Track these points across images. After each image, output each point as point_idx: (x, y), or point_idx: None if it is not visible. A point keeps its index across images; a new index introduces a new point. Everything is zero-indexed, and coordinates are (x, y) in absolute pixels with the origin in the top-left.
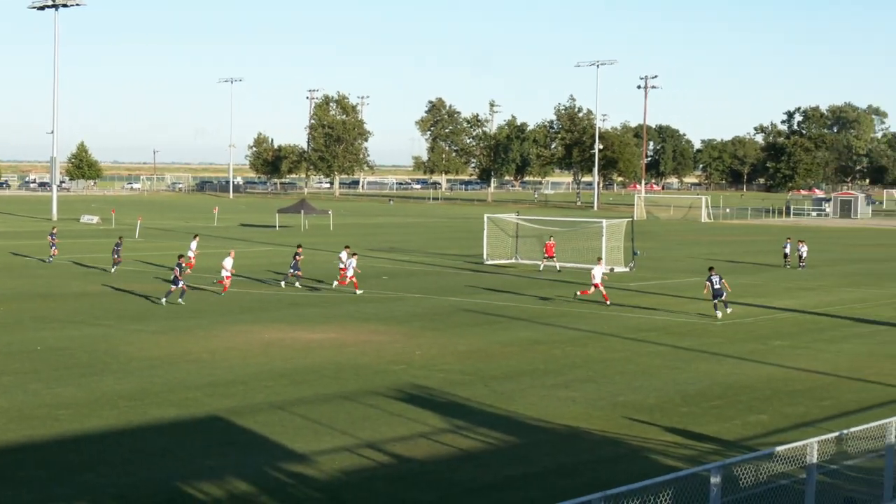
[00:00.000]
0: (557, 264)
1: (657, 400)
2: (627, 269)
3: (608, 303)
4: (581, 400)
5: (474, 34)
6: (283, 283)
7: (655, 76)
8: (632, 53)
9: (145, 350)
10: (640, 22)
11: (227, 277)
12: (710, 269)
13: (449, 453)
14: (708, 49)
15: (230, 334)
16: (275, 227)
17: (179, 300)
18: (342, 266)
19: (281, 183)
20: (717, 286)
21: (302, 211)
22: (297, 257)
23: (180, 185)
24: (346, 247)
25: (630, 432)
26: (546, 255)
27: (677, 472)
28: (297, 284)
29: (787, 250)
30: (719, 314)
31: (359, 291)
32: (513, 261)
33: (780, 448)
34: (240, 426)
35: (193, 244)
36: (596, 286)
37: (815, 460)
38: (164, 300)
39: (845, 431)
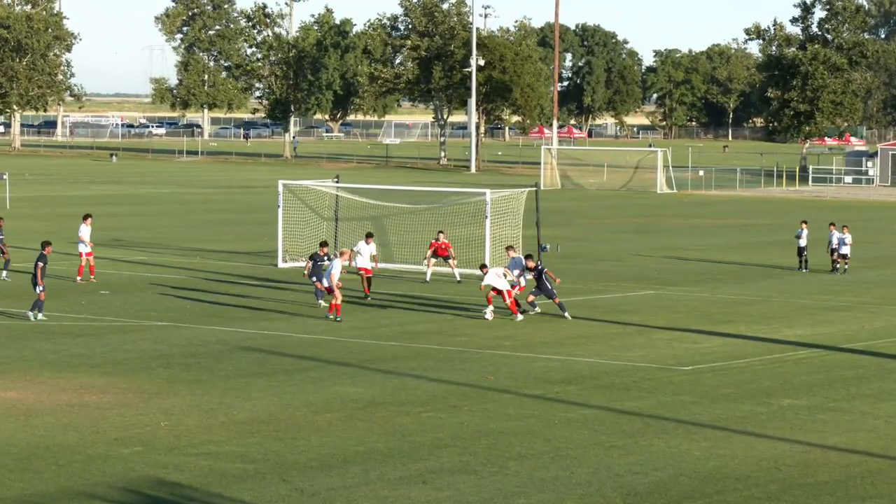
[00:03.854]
0: (457, 271)
1: (584, 502)
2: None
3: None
4: (451, 503)
5: None
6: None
7: None
8: None
9: None
10: None
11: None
12: (528, 256)
13: None
14: None
15: None
16: None
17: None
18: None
19: None
20: (547, 284)
21: None
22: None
23: None
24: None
25: None
26: (436, 255)
27: None
28: None
29: (803, 242)
30: (567, 315)
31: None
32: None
33: None
34: None
35: (84, 229)
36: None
37: None
38: (38, 315)
39: None
